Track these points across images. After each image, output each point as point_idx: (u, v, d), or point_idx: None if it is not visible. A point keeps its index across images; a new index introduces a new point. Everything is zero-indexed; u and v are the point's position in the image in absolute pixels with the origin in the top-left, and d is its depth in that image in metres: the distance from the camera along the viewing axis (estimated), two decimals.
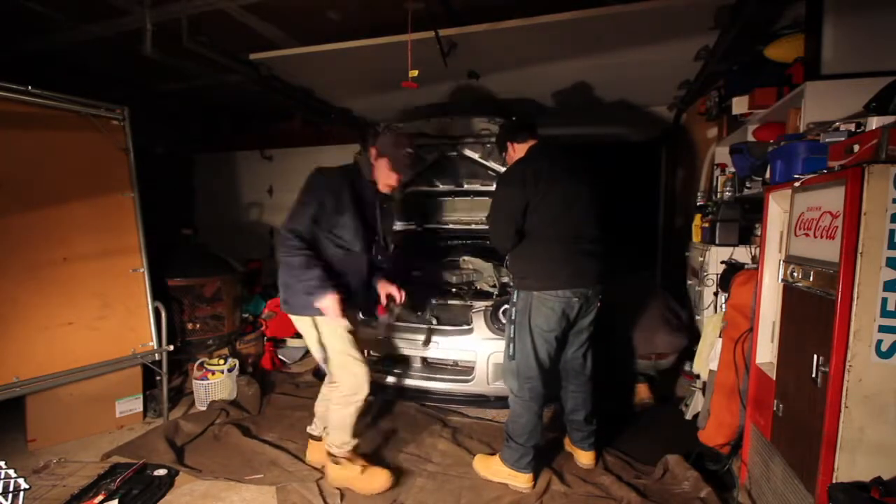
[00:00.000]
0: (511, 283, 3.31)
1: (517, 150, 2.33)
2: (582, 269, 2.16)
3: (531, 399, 2.20)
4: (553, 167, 2.18)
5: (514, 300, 2.24)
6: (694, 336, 3.01)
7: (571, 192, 2.16)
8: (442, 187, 3.86)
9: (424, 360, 3.12)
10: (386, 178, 2.24)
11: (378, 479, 2.19)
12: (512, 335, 2.24)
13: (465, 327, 2.98)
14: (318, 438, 2.41)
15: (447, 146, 3.46)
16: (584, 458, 2.40)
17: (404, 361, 3.16)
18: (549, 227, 2.14)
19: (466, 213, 4.09)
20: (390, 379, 3.10)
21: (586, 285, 2.17)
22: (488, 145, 3.36)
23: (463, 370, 3.03)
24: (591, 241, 2.20)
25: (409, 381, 3.07)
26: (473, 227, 4.04)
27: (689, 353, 3.01)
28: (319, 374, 3.48)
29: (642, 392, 3.10)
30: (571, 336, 2.29)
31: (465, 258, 3.67)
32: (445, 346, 2.96)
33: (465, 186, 3.83)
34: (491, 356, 2.85)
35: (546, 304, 2.13)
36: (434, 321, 3.05)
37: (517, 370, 2.21)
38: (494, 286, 3.30)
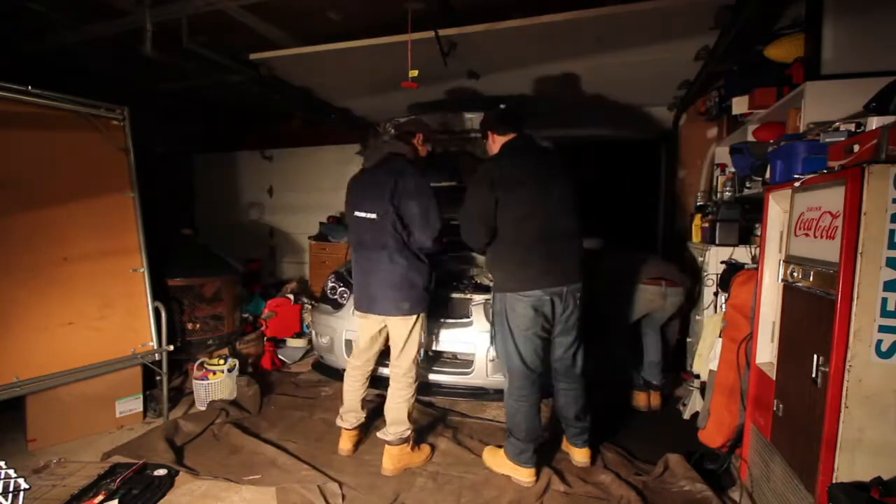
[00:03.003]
0: None
1: (496, 142, 2.34)
2: (552, 269, 2.16)
3: (521, 397, 2.23)
4: (523, 165, 2.19)
5: (493, 302, 2.29)
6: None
7: (541, 191, 2.16)
8: (443, 183, 3.86)
9: (424, 352, 3.12)
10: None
11: (424, 451, 2.50)
12: (493, 335, 2.30)
13: (465, 320, 2.99)
14: (355, 428, 2.57)
15: (448, 141, 3.46)
16: (579, 455, 2.40)
17: None
18: (517, 226, 2.15)
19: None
20: (387, 371, 3.10)
21: (559, 284, 2.17)
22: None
23: (462, 363, 3.04)
24: (563, 240, 2.20)
25: None
26: None
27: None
28: (320, 368, 3.50)
29: (640, 399, 3.10)
30: (559, 336, 2.29)
31: (465, 252, 3.68)
32: (446, 339, 2.97)
33: (466, 182, 3.83)
34: (490, 349, 2.86)
35: (519, 304, 2.15)
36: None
37: (506, 369, 2.25)
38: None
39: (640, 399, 3.08)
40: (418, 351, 2.43)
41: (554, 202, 2.18)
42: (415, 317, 2.38)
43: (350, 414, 2.56)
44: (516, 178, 2.14)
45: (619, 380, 3.15)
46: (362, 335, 2.53)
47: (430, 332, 2.95)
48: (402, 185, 2.29)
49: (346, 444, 2.55)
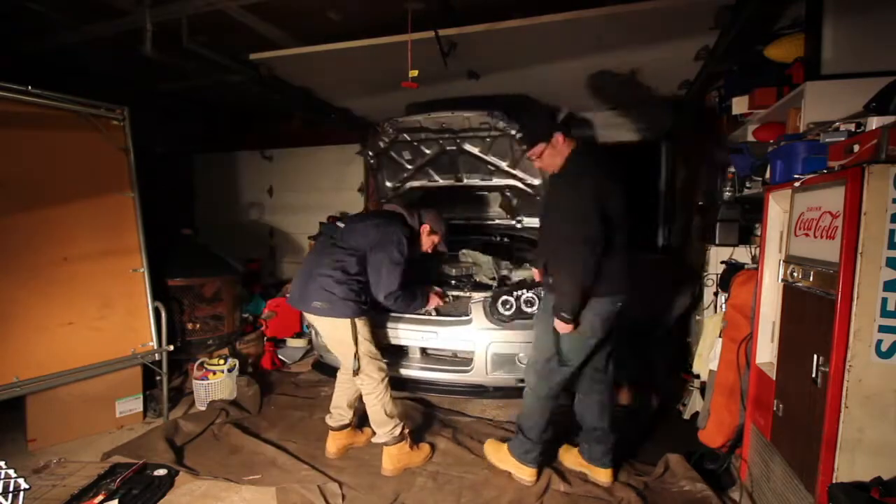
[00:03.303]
0: (511, 277, 3.32)
1: (566, 145, 2.11)
2: (628, 274, 2.10)
3: (546, 398, 2.20)
4: (611, 171, 2.08)
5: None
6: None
7: (624, 197, 2.07)
8: (442, 182, 3.86)
9: (423, 350, 3.12)
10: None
11: (424, 450, 2.51)
12: (555, 338, 2.12)
13: (464, 318, 2.99)
14: (339, 429, 2.54)
15: (447, 140, 3.46)
16: (604, 476, 2.25)
17: (403, 353, 3.16)
18: (614, 232, 2.00)
19: (466, 208, 4.10)
20: (405, 372, 3.11)
21: (628, 290, 2.12)
22: (488, 139, 3.36)
23: (462, 361, 3.04)
24: (628, 247, 2.12)
25: (408, 372, 3.08)
26: (473, 221, 4.04)
27: None
28: (320, 367, 3.50)
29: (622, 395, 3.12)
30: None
31: (465, 251, 3.69)
32: (445, 337, 2.97)
33: (465, 181, 3.83)
34: (490, 346, 2.86)
35: (602, 308, 2.05)
36: (433, 312, 3.06)
37: (544, 371, 2.16)
38: (493, 279, 3.32)
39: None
40: (356, 357, 2.36)
41: (626, 209, 2.06)
42: (332, 320, 2.38)
43: (336, 410, 2.57)
44: (613, 182, 2.04)
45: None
46: (317, 339, 2.59)
47: (430, 329, 2.96)
48: (381, 239, 2.44)
49: (330, 446, 2.55)
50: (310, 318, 2.48)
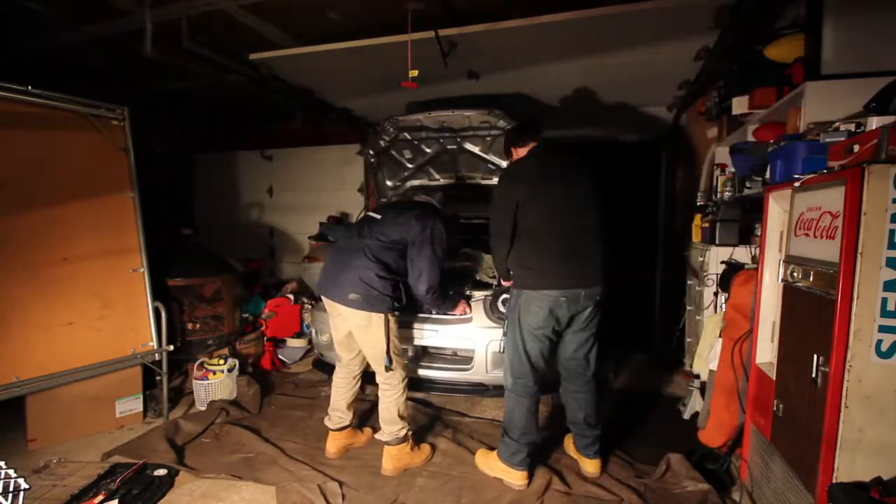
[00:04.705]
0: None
1: (519, 154, 2.35)
2: (574, 270, 2.14)
3: (522, 395, 2.22)
4: (550, 167, 2.19)
5: (510, 298, 2.29)
6: None
7: (568, 192, 2.16)
8: (442, 180, 3.86)
9: (424, 349, 3.12)
10: None
11: (425, 451, 2.51)
12: (505, 330, 2.31)
13: (465, 316, 2.99)
14: (339, 429, 2.54)
15: (447, 139, 3.46)
16: (589, 466, 2.33)
17: (404, 351, 3.16)
18: (544, 226, 2.14)
19: (466, 207, 4.10)
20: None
21: (579, 286, 2.14)
22: (488, 138, 3.36)
23: (462, 359, 3.04)
24: (587, 242, 2.18)
25: (408, 371, 3.08)
26: (474, 220, 4.04)
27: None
28: (321, 367, 3.50)
29: None
30: (570, 335, 2.27)
31: (465, 249, 3.69)
32: (445, 335, 2.97)
33: (466, 180, 3.82)
34: (490, 344, 2.87)
35: (534, 302, 2.14)
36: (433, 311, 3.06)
37: (509, 365, 2.25)
38: (493, 276, 3.32)
39: None
40: (388, 353, 2.34)
41: (581, 203, 2.17)
42: (367, 314, 2.32)
43: (335, 413, 2.56)
44: (545, 178, 2.14)
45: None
46: (334, 333, 2.53)
47: (430, 327, 2.96)
48: (424, 233, 2.42)
49: (330, 446, 2.55)
50: (341, 310, 2.37)
